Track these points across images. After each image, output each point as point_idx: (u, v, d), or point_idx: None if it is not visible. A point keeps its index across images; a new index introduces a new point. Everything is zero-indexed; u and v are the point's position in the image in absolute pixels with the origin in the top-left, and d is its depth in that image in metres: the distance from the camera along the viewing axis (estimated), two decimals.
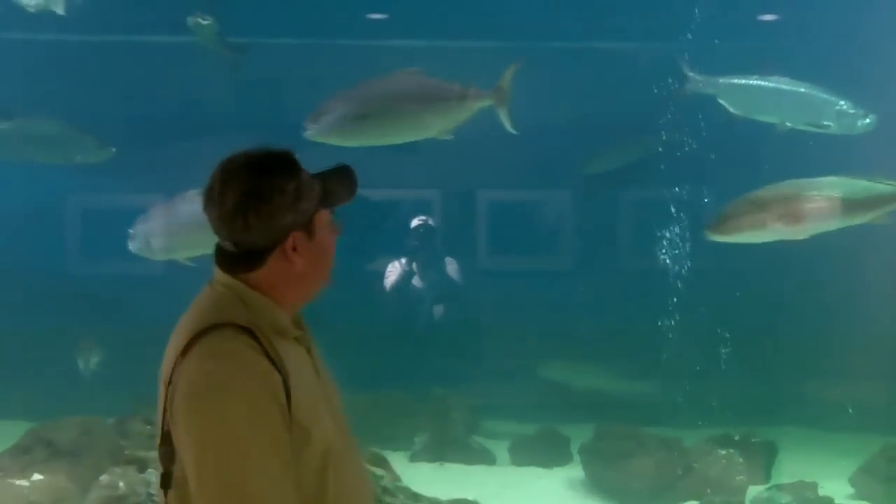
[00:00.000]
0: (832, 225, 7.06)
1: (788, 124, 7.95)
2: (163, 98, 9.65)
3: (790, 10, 9.72)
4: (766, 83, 8.12)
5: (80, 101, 9.20)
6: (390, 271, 9.50)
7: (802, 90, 8.05)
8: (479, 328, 9.84)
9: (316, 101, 7.04)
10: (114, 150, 8.79)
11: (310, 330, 2.66)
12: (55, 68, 9.48)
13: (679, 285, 9.18)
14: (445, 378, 9.41)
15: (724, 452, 8.01)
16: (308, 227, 2.55)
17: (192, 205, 7.36)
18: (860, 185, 7.01)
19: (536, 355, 9.69)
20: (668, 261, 9.81)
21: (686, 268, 9.74)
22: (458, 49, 9.94)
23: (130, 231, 7.58)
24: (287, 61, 9.63)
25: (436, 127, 6.95)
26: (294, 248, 2.53)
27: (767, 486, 7.94)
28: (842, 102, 7.89)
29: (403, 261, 9.39)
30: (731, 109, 8.09)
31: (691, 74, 8.17)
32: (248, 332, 2.40)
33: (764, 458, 8.26)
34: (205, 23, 8.19)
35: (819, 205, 6.95)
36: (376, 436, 7.81)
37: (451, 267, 9.48)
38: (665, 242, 9.97)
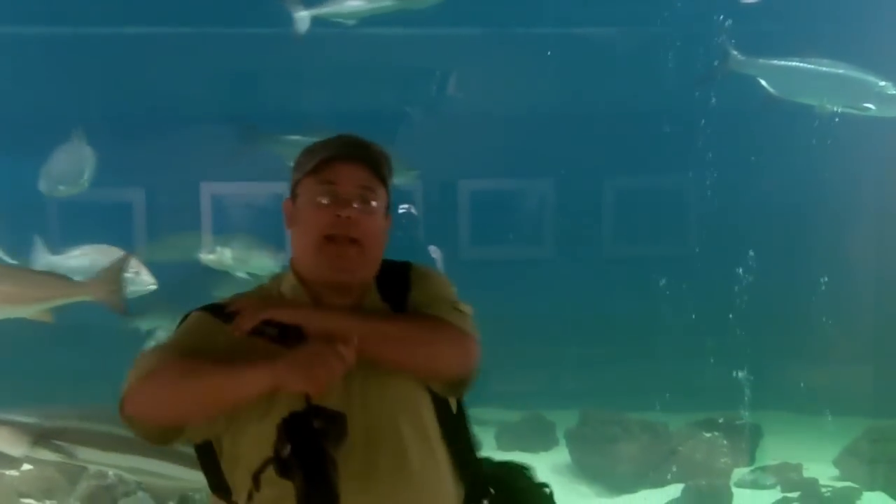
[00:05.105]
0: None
1: (829, 106, 7.74)
2: (141, 92, 9.59)
3: None
4: (807, 64, 7.87)
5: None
6: None
7: (842, 71, 7.79)
8: None
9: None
10: (418, 171, 8.66)
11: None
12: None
13: (664, 272, 9.18)
14: None
15: (708, 436, 8.04)
16: (293, 194, 2.56)
17: None
18: (32, 277, 6.20)
19: (521, 342, 9.67)
20: (653, 248, 9.83)
21: (671, 254, 9.76)
22: (438, 36, 9.92)
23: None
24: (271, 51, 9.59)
25: None
26: (288, 217, 2.58)
27: (752, 468, 8.01)
28: (882, 83, 7.62)
29: None
30: (771, 90, 7.82)
31: (734, 53, 7.89)
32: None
33: (748, 441, 8.30)
34: None
35: None
36: None
37: (435, 255, 9.44)
38: (651, 231, 9.99)
